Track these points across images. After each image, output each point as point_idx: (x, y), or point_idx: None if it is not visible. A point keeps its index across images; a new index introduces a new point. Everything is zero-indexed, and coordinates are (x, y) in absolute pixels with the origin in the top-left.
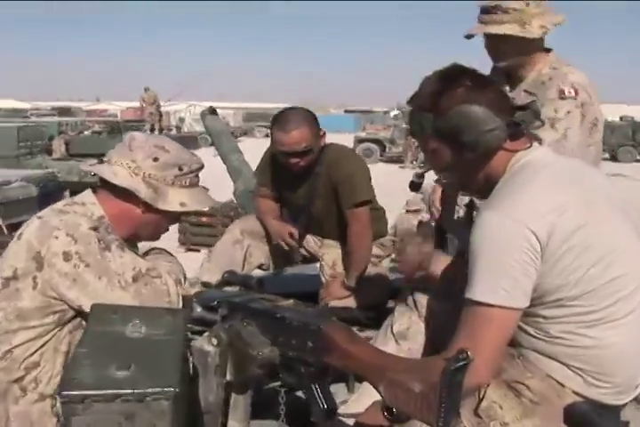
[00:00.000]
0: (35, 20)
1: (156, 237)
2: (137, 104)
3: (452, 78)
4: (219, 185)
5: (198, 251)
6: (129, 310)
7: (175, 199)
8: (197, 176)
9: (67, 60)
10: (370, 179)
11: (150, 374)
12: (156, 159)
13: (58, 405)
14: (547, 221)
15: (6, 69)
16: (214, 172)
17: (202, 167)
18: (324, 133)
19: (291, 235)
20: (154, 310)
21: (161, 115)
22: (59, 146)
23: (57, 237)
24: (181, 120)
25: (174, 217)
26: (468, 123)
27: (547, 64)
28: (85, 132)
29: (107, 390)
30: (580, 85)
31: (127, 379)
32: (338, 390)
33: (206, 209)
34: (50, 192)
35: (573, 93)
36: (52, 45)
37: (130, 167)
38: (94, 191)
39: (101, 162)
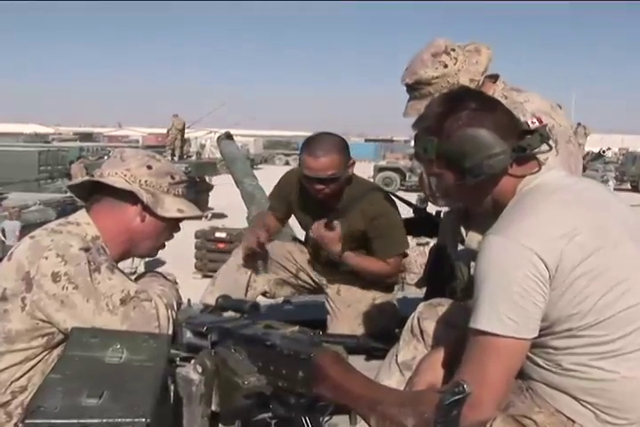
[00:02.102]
0: (61, 48)
1: (153, 252)
2: (158, 130)
3: (458, 100)
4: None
5: None
6: (110, 334)
7: (172, 206)
8: (185, 188)
9: (91, 86)
10: (404, 230)
11: (122, 403)
12: (149, 167)
13: None
14: (556, 247)
15: (33, 95)
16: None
17: (188, 180)
18: (354, 162)
19: (259, 242)
20: (137, 335)
21: (184, 141)
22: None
23: (47, 258)
24: (202, 147)
25: (170, 229)
26: (472, 147)
27: (495, 93)
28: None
29: (74, 419)
30: (542, 112)
31: (97, 408)
32: (340, 421)
33: (199, 215)
34: (68, 216)
35: (537, 123)
36: (77, 73)
37: (125, 175)
38: (88, 210)
39: (92, 176)
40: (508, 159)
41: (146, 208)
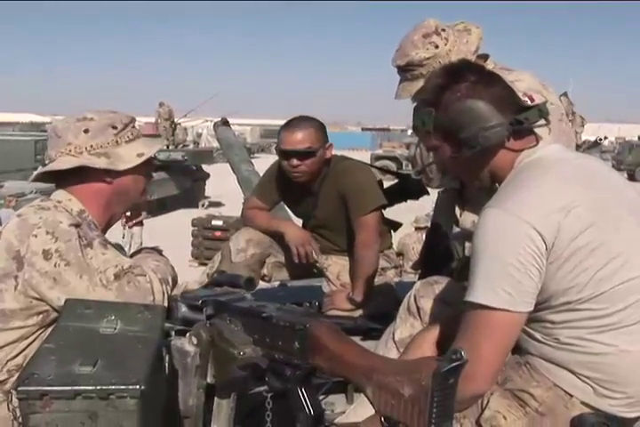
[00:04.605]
0: (57, 38)
1: (141, 198)
2: (154, 120)
3: (457, 73)
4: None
5: None
6: (104, 306)
7: (130, 154)
8: (134, 127)
9: (87, 76)
10: (378, 187)
11: (117, 371)
12: (86, 131)
13: (14, 402)
14: (553, 220)
15: (29, 85)
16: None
17: (133, 120)
18: (331, 145)
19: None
20: (131, 306)
21: (174, 130)
22: None
23: (36, 236)
24: (199, 135)
25: (144, 172)
26: (468, 118)
27: None
28: None
29: (67, 386)
30: (533, 90)
31: (90, 375)
32: (337, 400)
33: (162, 146)
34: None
35: (529, 102)
36: (73, 62)
37: (70, 151)
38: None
39: (45, 166)
40: (504, 132)
41: (107, 171)
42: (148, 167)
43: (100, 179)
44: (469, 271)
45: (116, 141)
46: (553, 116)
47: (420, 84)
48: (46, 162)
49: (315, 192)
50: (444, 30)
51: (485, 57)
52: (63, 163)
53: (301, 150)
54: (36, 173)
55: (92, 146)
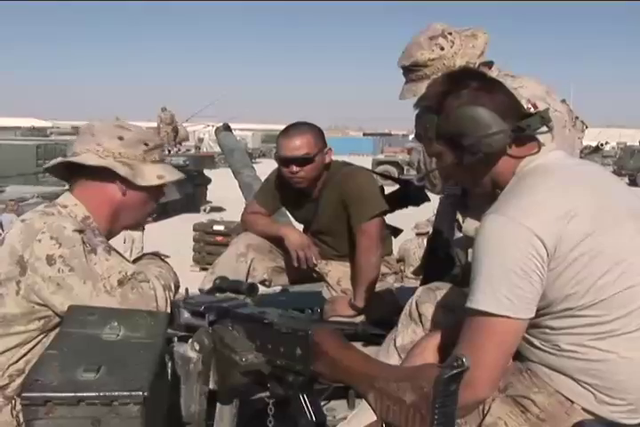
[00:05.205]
0: (58, 42)
1: (142, 221)
2: (155, 124)
3: (459, 80)
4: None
5: None
6: (107, 312)
7: (152, 174)
8: (163, 151)
9: (89, 80)
10: (379, 192)
11: (120, 378)
12: (121, 138)
13: (18, 408)
14: (555, 226)
15: (30, 89)
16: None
17: (163, 144)
18: (330, 150)
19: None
20: (134, 313)
21: (176, 134)
22: None
23: (40, 241)
24: (200, 140)
25: (155, 196)
26: (470, 125)
27: None
28: None
29: (70, 392)
30: (537, 97)
31: (94, 382)
32: (338, 406)
33: (180, 178)
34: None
35: (532, 109)
36: (75, 67)
37: (98, 151)
38: (71, 192)
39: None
40: (507, 139)
41: (124, 181)
42: (159, 193)
43: (115, 189)
44: (471, 277)
45: (144, 158)
46: (556, 124)
47: (424, 84)
48: (68, 155)
49: (315, 198)
50: (450, 34)
51: (490, 64)
52: (88, 159)
53: (299, 157)
54: (54, 160)
55: (120, 153)
